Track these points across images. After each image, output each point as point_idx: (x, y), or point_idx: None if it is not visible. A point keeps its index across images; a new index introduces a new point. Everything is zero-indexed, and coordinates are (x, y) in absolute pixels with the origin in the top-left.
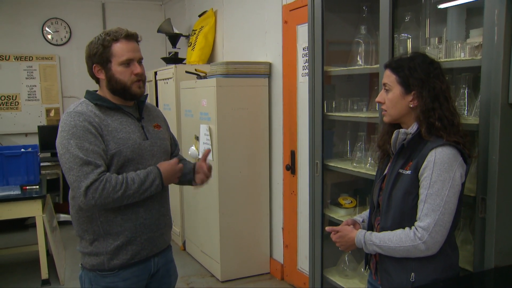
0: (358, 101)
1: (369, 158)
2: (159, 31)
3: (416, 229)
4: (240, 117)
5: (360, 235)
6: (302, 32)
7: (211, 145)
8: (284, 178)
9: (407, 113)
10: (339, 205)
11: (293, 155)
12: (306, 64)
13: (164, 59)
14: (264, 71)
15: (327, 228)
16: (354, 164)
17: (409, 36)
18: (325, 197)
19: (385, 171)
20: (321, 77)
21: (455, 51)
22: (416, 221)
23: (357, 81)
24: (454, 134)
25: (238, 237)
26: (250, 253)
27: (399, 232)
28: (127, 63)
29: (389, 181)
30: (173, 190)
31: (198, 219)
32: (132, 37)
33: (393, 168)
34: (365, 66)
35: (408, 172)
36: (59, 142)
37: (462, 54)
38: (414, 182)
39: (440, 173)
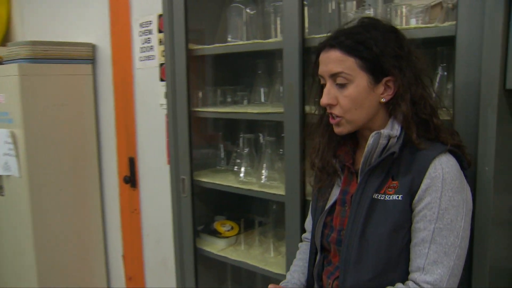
0: (234, 91)
1: (263, 170)
2: None
3: (420, 286)
4: (56, 116)
5: None
6: (138, 4)
7: (17, 156)
8: (122, 193)
9: (375, 114)
10: (215, 234)
11: (132, 163)
12: (146, 45)
13: None
14: (87, 55)
15: None
16: (242, 179)
17: None
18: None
19: (333, 200)
20: (185, 60)
21: (394, 16)
22: (405, 266)
23: (231, 64)
24: (452, 135)
25: (63, 274)
26: None
27: None
28: None
29: (356, 213)
30: None
31: (4, 256)
32: None
33: (362, 193)
34: (260, 41)
35: (396, 197)
36: None
37: (414, 21)
38: (407, 212)
39: (452, 196)
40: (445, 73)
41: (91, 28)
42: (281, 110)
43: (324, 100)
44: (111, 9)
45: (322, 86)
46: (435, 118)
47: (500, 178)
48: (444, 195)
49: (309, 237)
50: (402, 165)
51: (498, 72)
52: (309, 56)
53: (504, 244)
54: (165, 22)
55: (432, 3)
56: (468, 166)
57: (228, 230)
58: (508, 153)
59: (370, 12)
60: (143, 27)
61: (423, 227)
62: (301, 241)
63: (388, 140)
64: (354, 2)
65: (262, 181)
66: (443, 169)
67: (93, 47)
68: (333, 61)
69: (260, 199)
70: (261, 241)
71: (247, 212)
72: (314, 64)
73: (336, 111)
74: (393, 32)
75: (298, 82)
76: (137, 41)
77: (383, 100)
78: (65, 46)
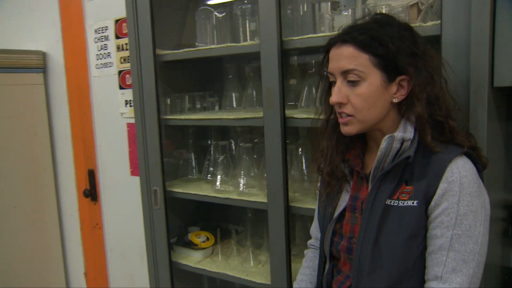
0: (203, 97)
1: (241, 178)
2: None
3: None
4: (6, 129)
5: None
6: (92, 9)
7: None
8: (81, 207)
9: (386, 114)
10: (191, 245)
11: (92, 175)
12: (102, 51)
13: None
14: (37, 64)
15: None
16: (218, 188)
17: None
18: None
19: (342, 206)
20: (153, 66)
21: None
22: (421, 275)
23: (199, 69)
24: (467, 136)
25: None
26: None
27: None
28: None
29: (369, 221)
30: None
31: None
32: None
33: (375, 199)
34: (235, 45)
35: (411, 203)
36: None
37: None
38: (423, 219)
39: (470, 201)
40: None
41: (41, 34)
42: (257, 115)
43: (334, 98)
44: (62, 15)
45: (330, 85)
46: (450, 119)
47: (490, 175)
48: (462, 200)
49: (316, 244)
50: (416, 169)
51: (487, 70)
52: (287, 58)
53: (495, 242)
54: (129, 27)
55: (410, 3)
56: (484, 169)
57: (204, 241)
58: (497, 150)
59: (347, 13)
60: (99, 33)
61: (440, 234)
62: (306, 248)
63: (401, 144)
64: (329, 3)
65: (240, 189)
66: (460, 173)
67: (43, 55)
68: (345, 57)
69: (234, 207)
70: (239, 251)
71: (221, 221)
72: (322, 61)
73: (346, 110)
74: (408, 30)
75: (278, 85)
76: (93, 48)
77: (395, 100)
78: (12, 54)
